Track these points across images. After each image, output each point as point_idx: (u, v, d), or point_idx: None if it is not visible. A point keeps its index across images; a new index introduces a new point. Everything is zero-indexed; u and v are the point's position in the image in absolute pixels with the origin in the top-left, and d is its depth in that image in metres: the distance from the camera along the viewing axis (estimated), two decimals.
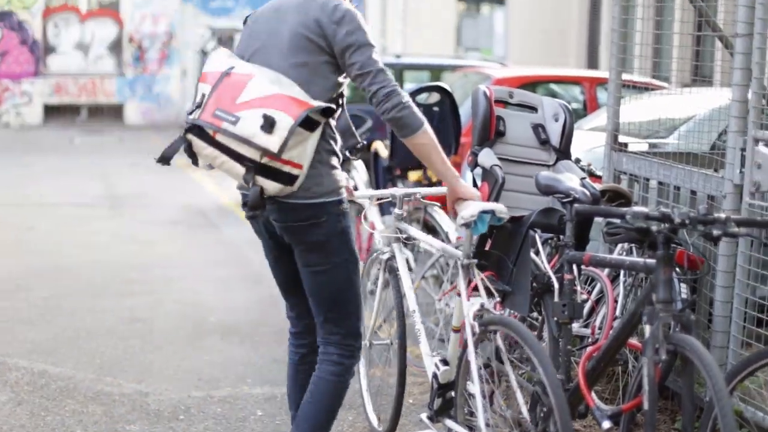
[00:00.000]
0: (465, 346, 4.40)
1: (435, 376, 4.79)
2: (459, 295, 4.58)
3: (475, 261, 4.57)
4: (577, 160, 5.52)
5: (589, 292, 5.32)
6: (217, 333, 7.26)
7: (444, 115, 7.36)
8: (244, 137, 4.03)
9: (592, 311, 5.27)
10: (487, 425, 4.20)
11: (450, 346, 4.80)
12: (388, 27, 25.05)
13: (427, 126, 4.27)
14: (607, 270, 5.31)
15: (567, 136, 5.00)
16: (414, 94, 7.37)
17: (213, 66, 4.23)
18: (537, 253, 4.79)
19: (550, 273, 4.61)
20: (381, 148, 7.69)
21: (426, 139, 4.33)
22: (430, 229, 7.50)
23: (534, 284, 4.65)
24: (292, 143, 4.03)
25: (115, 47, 24.37)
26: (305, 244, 4.31)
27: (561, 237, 4.58)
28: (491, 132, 4.91)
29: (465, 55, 23.59)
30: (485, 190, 4.73)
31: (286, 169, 4.09)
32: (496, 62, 15.15)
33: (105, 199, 13.40)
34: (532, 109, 5.10)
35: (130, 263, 9.49)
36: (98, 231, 11.16)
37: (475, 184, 4.89)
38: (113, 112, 24.29)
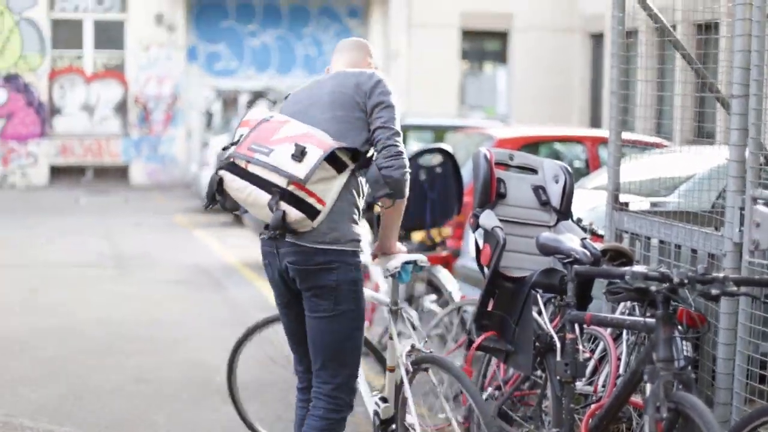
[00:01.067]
0: (401, 384, 4.79)
1: (376, 413, 5.08)
2: (391, 338, 4.94)
3: (402, 307, 5.01)
4: (579, 220, 5.58)
5: (592, 351, 5.36)
6: (223, 392, 7.27)
7: (446, 175, 7.44)
8: (274, 165, 4.38)
9: (596, 370, 5.31)
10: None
11: (387, 384, 5.07)
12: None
13: None
14: (609, 329, 5.35)
15: (567, 197, 5.07)
16: (418, 155, 7.46)
17: (253, 115, 4.65)
18: (539, 312, 4.85)
19: (552, 333, 4.66)
20: None
21: (402, 206, 4.76)
22: (435, 288, 7.56)
23: (536, 343, 4.70)
24: (318, 177, 4.37)
25: (121, 108, 24.54)
26: (316, 288, 4.51)
27: (563, 297, 4.63)
28: (492, 194, 4.98)
29: (469, 113, 23.74)
30: (487, 252, 4.79)
31: (311, 200, 4.38)
32: (498, 121, 15.27)
33: (110, 258, 13.46)
34: (533, 171, 5.17)
35: (136, 322, 9.53)
36: (103, 290, 11.21)
37: (477, 246, 4.95)
38: (119, 173, 24.42)
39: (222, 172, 4.48)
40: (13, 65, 23.96)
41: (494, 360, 5.30)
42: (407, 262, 4.82)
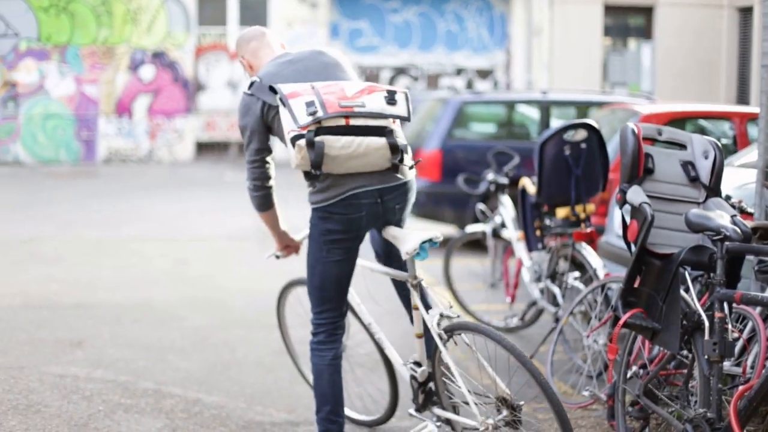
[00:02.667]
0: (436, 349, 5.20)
1: (413, 377, 5.45)
2: (417, 309, 5.33)
3: (422, 279, 5.35)
4: (728, 197, 5.47)
5: (741, 331, 5.26)
6: (366, 366, 7.36)
7: (591, 151, 7.36)
8: (377, 112, 4.89)
9: (744, 350, 5.21)
10: (469, 392, 4.89)
11: (418, 350, 5.44)
12: (534, 62, 25.05)
13: None
14: (759, 308, 5.25)
15: (717, 173, 4.97)
16: (562, 130, 7.39)
17: (292, 88, 4.90)
18: (687, 290, 4.77)
19: (701, 311, 4.58)
20: (528, 184, 7.73)
21: None
22: (578, 265, 7.50)
23: (684, 322, 4.63)
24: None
25: None
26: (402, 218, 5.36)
27: (711, 275, 4.55)
28: (640, 169, 4.90)
29: (611, 90, 23.42)
30: (634, 228, 4.73)
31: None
32: (643, 97, 15.02)
33: (254, 232, 13.67)
34: (681, 146, 5.08)
35: None
36: (248, 264, 11.41)
37: (624, 222, 4.90)
38: None
39: (321, 138, 4.78)
40: (160, 43, 24.48)
41: (640, 338, 5.24)
42: (424, 241, 5.08)
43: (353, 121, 4.83)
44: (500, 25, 25.75)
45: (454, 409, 5.31)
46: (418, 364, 5.46)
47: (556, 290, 7.56)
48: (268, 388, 6.87)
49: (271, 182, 5.56)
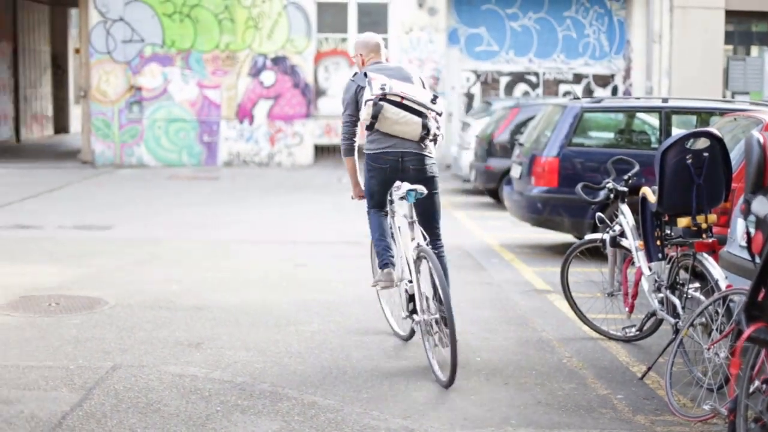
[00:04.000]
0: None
1: (406, 290, 7.81)
2: (413, 239, 7.72)
3: (415, 220, 7.75)
4: None
5: None
6: (482, 373, 7.34)
7: (714, 160, 7.22)
8: (422, 102, 7.67)
9: None
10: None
11: (411, 272, 7.64)
12: (654, 69, 24.71)
13: None
14: None
15: None
16: (684, 139, 7.27)
17: (376, 75, 7.75)
18: None
19: None
20: (649, 193, 7.61)
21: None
22: (699, 275, 7.36)
23: None
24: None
25: None
26: (423, 180, 7.76)
27: None
28: (765, 179, 4.80)
29: (733, 98, 22.98)
30: (759, 240, 4.63)
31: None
32: (767, 105, 14.68)
33: (370, 237, 13.71)
34: None
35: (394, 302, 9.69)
36: (363, 269, 11.43)
37: (748, 233, 4.79)
38: None
39: (382, 103, 7.62)
40: (281, 48, 24.76)
41: (764, 352, 5.12)
42: (410, 190, 7.54)
43: (406, 102, 7.64)
44: (619, 31, 25.47)
45: (426, 325, 7.49)
46: (410, 281, 7.74)
47: (676, 301, 7.44)
48: (384, 393, 6.88)
49: (356, 138, 8.07)
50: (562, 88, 25.27)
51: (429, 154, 7.82)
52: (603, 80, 25.47)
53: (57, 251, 12.44)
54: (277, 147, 24.88)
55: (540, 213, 12.24)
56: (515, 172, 13.16)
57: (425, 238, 7.73)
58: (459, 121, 23.81)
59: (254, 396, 6.69)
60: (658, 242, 7.60)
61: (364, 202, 8.31)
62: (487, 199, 18.04)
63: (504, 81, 25.08)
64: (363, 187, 8.25)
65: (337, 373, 7.31)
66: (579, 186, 8.83)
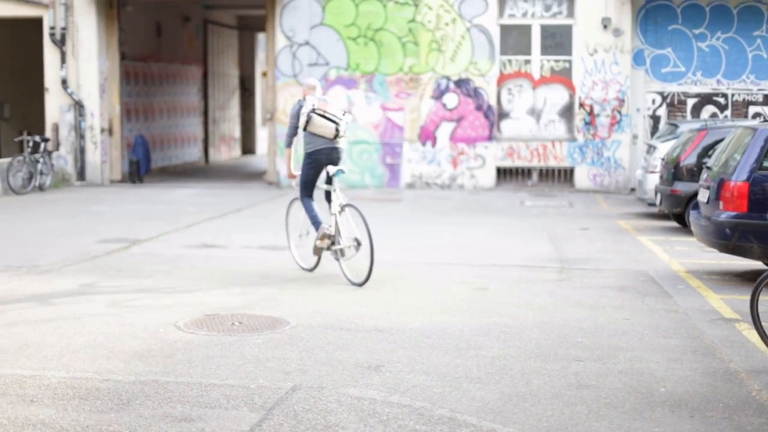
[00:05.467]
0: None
1: (326, 233, 12.14)
2: (331, 200, 12.28)
3: (336, 188, 12.10)
4: None
5: None
6: (666, 404, 7.10)
7: None
8: (336, 114, 12.08)
9: None
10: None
11: (332, 221, 12.11)
12: None
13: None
14: None
15: None
16: None
17: (311, 100, 12.15)
18: None
19: None
20: None
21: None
22: None
23: None
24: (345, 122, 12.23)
25: (566, 112, 24.74)
26: (338, 163, 12.17)
27: None
28: None
29: None
30: None
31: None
32: None
33: (554, 261, 13.55)
34: None
35: (578, 328, 9.51)
36: (547, 293, 11.29)
37: None
38: (563, 176, 24.65)
39: (311, 115, 11.99)
40: (464, 70, 24.78)
41: None
42: (339, 170, 12.02)
43: (326, 115, 12.03)
44: None
45: (340, 252, 12.06)
46: (330, 227, 12.13)
47: None
48: (564, 422, 6.72)
49: (294, 138, 12.50)
50: (752, 109, 24.55)
51: (341, 147, 12.26)
52: None
53: (241, 270, 12.66)
54: (460, 169, 24.87)
55: (728, 239, 11.86)
56: (703, 196, 12.79)
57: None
58: (644, 143, 23.37)
59: (432, 421, 6.63)
60: None
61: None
62: (673, 224, 17.62)
63: (691, 102, 24.52)
64: (298, 175, 12.53)
65: (516, 400, 7.19)
66: None
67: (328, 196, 12.36)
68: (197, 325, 9.49)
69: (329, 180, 12.24)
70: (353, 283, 11.57)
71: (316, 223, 12.31)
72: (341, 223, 12.03)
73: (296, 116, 12.35)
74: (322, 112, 12.07)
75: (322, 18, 24.96)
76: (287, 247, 13.46)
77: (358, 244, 11.77)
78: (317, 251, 12.37)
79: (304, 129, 12.15)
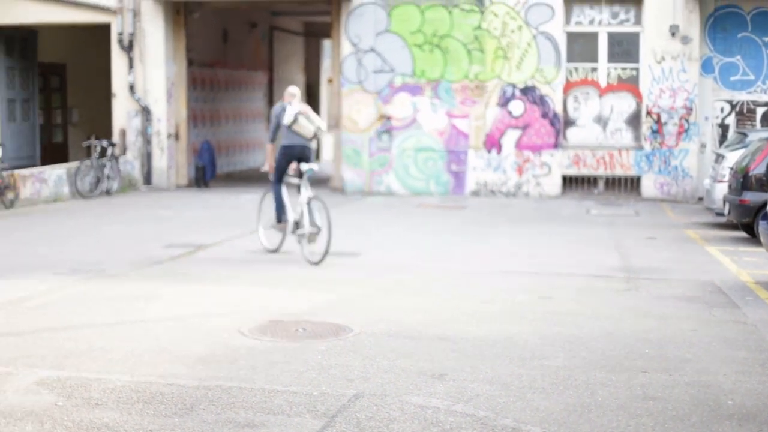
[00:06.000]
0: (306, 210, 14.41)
1: (295, 220, 14.53)
2: (300, 192, 14.50)
3: (307, 184, 14.22)
4: None
5: None
6: (735, 418, 6.98)
7: None
8: (315, 119, 14.53)
9: None
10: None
11: (300, 209, 14.41)
12: None
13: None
14: None
15: None
16: None
17: (293, 107, 14.56)
18: None
19: None
20: None
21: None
22: None
23: None
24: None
25: (633, 120, 24.52)
26: (309, 161, 14.51)
27: None
28: None
29: None
30: None
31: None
32: None
33: (620, 271, 13.41)
34: None
35: (644, 339, 9.38)
36: (612, 303, 11.17)
37: None
38: (630, 185, 24.43)
39: (297, 116, 14.31)
40: (530, 78, 24.65)
41: None
42: (309, 168, 14.14)
43: (310, 119, 14.39)
44: None
45: (304, 236, 14.05)
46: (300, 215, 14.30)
47: None
48: None
49: (275, 136, 14.85)
50: None
51: (312, 147, 14.59)
52: None
53: (306, 276, 12.68)
54: (525, 177, 24.75)
55: None
56: None
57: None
58: (712, 152, 23.09)
59: (496, 431, 6.57)
60: None
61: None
62: (742, 234, 17.38)
63: (760, 111, 24.19)
64: (273, 165, 14.82)
65: (581, 411, 7.11)
66: None
67: (298, 189, 14.40)
68: (261, 330, 9.50)
69: (300, 175, 14.34)
70: (311, 263, 13.67)
71: (279, 211, 14.71)
72: (306, 213, 14.09)
73: (278, 116, 14.72)
74: (306, 116, 14.43)
75: (388, 25, 24.98)
76: (351, 253, 14.33)
77: (319, 230, 14.03)
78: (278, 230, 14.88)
79: (289, 126, 14.38)
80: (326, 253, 13.68)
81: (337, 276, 12.78)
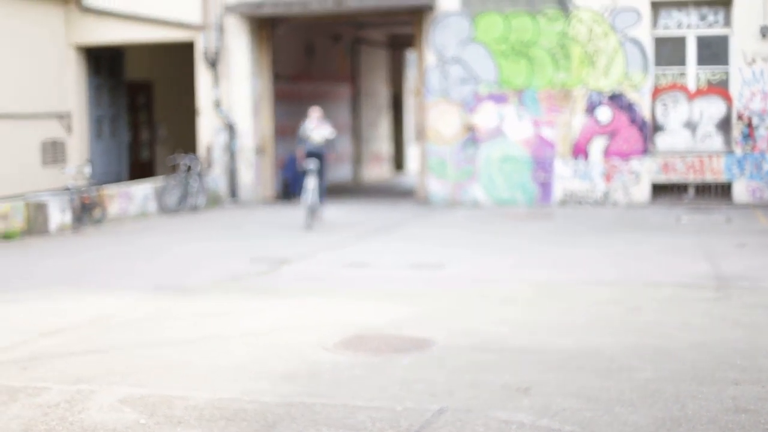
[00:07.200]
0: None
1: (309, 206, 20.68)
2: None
3: (315, 177, 20.69)
4: None
5: None
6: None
7: None
8: (323, 131, 21.66)
9: None
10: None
11: (310, 193, 20.60)
12: None
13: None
14: None
15: None
16: None
17: (310, 122, 21.88)
18: None
19: None
20: None
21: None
22: None
23: None
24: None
25: (724, 125, 24.07)
26: (319, 159, 21.55)
27: None
28: None
29: None
30: None
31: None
32: None
33: (710, 279, 13.11)
34: None
35: (735, 349, 9.14)
36: (702, 313, 10.92)
37: None
38: (720, 191, 23.97)
39: (310, 130, 21.58)
40: (618, 84, 24.34)
41: None
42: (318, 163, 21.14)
43: (319, 131, 21.69)
44: None
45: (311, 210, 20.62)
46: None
47: None
48: None
49: (301, 144, 21.64)
50: None
51: (322, 151, 21.36)
52: None
53: (390, 290, 12.60)
54: (613, 185, 24.42)
55: None
56: None
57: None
58: None
59: None
60: None
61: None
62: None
63: None
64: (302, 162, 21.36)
65: (671, 425, 6.92)
66: None
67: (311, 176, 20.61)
68: (344, 345, 9.44)
69: (312, 170, 20.64)
70: (307, 228, 19.91)
71: (304, 194, 20.49)
72: (310, 195, 20.27)
73: (301, 131, 21.84)
74: (317, 129, 21.63)
75: (472, 34, 24.85)
76: (435, 265, 13.93)
77: (318, 206, 20.99)
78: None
79: (308, 137, 21.57)
80: (316, 219, 21.01)
81: (420, 288, 12.68)
